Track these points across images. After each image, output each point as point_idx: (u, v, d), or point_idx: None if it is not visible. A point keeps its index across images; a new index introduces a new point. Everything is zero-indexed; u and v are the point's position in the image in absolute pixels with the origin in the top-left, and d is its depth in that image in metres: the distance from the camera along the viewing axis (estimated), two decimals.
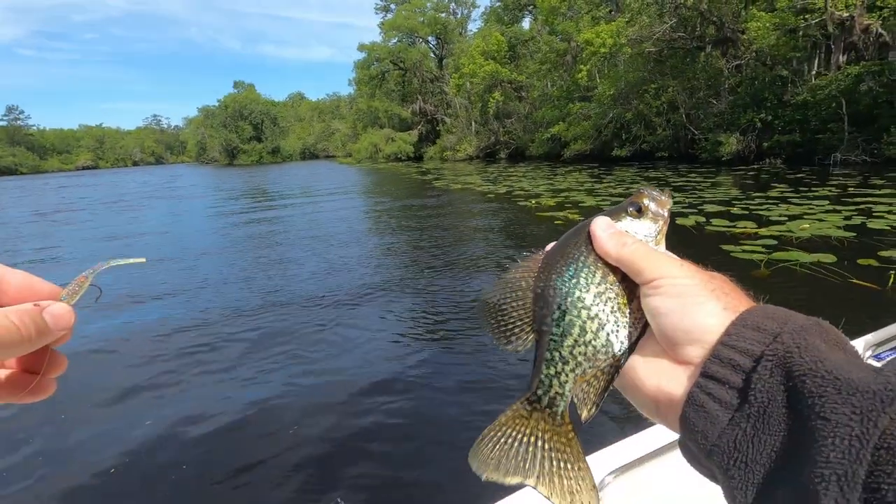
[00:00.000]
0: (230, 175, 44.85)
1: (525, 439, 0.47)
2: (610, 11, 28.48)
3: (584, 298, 0.47)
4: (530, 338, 0.48)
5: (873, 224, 7.60)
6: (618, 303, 0.47)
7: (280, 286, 6.62)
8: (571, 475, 0.45)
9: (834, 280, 5.29)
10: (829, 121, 17.64)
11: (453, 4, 56.57)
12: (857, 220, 7.87)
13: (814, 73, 19.65)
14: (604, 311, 0.47)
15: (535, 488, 0.46)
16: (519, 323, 0.49)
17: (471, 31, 55.74)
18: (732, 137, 20.57)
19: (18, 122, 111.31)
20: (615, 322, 0.46)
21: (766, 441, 0.34)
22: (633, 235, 0.48)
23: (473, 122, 43.41)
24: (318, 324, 5.14)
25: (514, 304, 0.49)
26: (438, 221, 11.40)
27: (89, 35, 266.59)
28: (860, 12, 17.23)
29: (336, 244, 9.36)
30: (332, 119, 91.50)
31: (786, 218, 8.50)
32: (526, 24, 43.77)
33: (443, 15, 54.44)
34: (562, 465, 0.46)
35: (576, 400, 0.47)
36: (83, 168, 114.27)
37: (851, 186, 11.60)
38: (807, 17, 17.43)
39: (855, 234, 7.03)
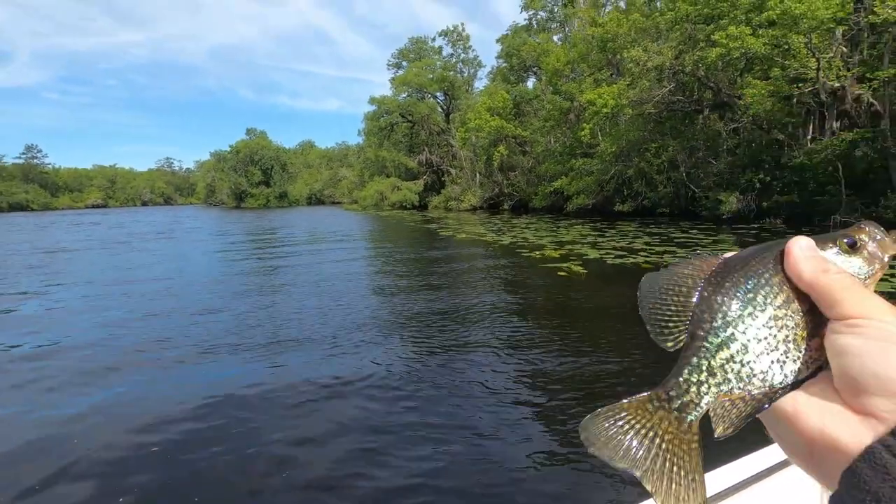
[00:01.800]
0: (237, 217, 45.53)
1: (643, 431, 0.43)
2: (611, 75, 29.85)
3: (757, 316, 0.42)
4: (683, 338, 0.45)
5: (880, 287, 7.63)
6: (795, 333, 0.42)
7: (277, 333, 6.61)
8: (683, 483, 0.42)
9: None
10: (826, 183, 18.07)
11: (461, 64, 59.40)
12: None
13: (809, 137, 20.33)
14: (776, 336, 0.42)
15: (640, 480, 0.43)
16: (675, 318, 0.45)
17: (477, 88, 58.26)
18: (732, 196, 21.01)
19: (35, 160, 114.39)
20: (785, 352, 0.41)
21: None
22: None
23: (478, 174, 44.46)
24: (315, 368, 5.10)
25: (674, 297, 0.46)
26: (444, 269, 11.49)
27: (111, 81, 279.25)
28: (851, 83, 18.05)
29: (339, 289, 9.40)
30: (340, 166, 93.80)
31: None
32: (530, 83, 45.72)
33: (451, 73, 57.01)
34: (675, 469, 0.42)
35: (712, 414, 0.42)
36: (93, 206, 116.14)
37: None
38: (800, 85, 18.24)
39: None
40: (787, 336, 0.42)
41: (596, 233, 18.21)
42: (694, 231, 17.18)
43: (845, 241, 0.44)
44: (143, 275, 11.87)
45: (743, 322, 0.43)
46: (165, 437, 3.75)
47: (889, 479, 0.32)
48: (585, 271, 10.19)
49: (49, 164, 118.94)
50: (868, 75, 17.11)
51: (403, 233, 23.85)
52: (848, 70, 18.11)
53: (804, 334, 0.42)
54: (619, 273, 10.10)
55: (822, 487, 0.37)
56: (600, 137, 28.49)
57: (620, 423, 0.44)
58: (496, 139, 40.18)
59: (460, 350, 5.64)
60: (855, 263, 0.43)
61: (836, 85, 18.18)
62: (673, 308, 0.46)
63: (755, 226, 18.56)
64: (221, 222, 38.29)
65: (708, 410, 0.42)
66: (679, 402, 0.43)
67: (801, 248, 0.42)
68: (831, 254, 0.43)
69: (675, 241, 14.61)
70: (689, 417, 0.43)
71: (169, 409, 4.21)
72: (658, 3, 29.58)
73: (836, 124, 19.25)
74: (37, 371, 5.26)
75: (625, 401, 0.44)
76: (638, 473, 0.43)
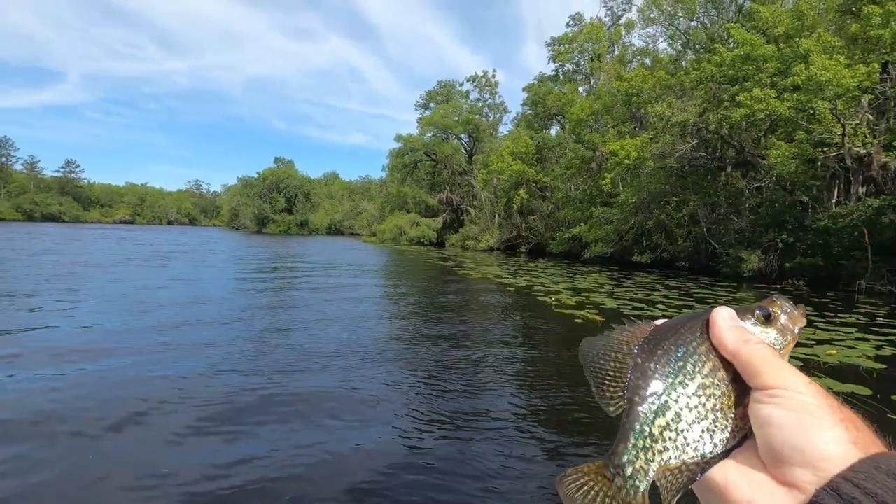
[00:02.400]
0: (259, 242, 46.42)
1: (605, 499, 0.45)
2: (634, 127, 30.38)
3: (687, 384, 0.45)
4: (622, 403, 0.48)
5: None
6: (722, 402, 0.44)
7: (289, 361, 6.65)
8: None
9: (870, 413, 5.10)
10: (851, 248, 17.79)
11: (486, 109, 61.10)
12: (888, 352, 7.69)
13: (834, 201, 20.18)
14: (704, 405, 0.44)
15: None
16: (613, 384, 0.49)
17: (501, 132, 59.63)
18: (754, 255, 20.76)
19: (73, 174, 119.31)
20: (713, 421, 0.44)
21: None
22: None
23: (497, 216, 44.87)
24: (324, 405, 5.10)
25: (611, 363, 0.49)
26: (459, 309, 11.49)
27: (152, 105, 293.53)
28: (877, 149, 18.04)
29: (356, 322, 9.45)
30: (362, 199, 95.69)
31: (813, 342, 8.36)
32: (553, 131, 46.69)
33: (476, 116, 58.61)
34: None
35: (657, 484, 0.45)
36: (120, 222, 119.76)
37: (880, 316, 11.43)
38: (825, 149, 18.28)
39: (885, 367, 6.85)
40: (714, 405, 0.44)
41: (613, 282, 18.07)
42: (714, 287, 16.94)
43: (759, 312, 0.47)
44: (162, 294, 12.11)
45: (675, 390, 0.45)
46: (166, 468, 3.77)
47: None
48: (602, 320, 10.08)
49: (85, 178, 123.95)
50: (895, 143, 17.11)
51: (421, 269, 23.98)
52: (874, 137, 18.15)
53: (730, 403, 0.44)
54: None
55: None
56: (621, 187, 28.70)
57: (586, 487, 0.46)
58: (517, 182, 40.76)
59: (473, 391, 5.59)
60: (770, 334, 0.46)
61: (862, 151, 18.19)
62: (611, 374, 0.48)
63: (777, 286, 18.23)
64: (244, 245, 39.05)
65: (654, 480, 0.44)
66: (631, 468, 0.45)
67: (723, 319, 0.45)
68: (749, 325, 0.46)
69: (694, 295, 14.41)
70: (641, 487, 0.44)
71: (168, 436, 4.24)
72: (683, 63, 30.37)
73: (861, 189, 19.12)
74: (48, 393, 5.37)
75: (586, 464, 0.47)
76: None
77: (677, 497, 0.43)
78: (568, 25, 45.47)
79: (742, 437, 0.43)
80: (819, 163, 19.13)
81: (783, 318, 0.48)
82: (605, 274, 21.42)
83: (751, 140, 23.13)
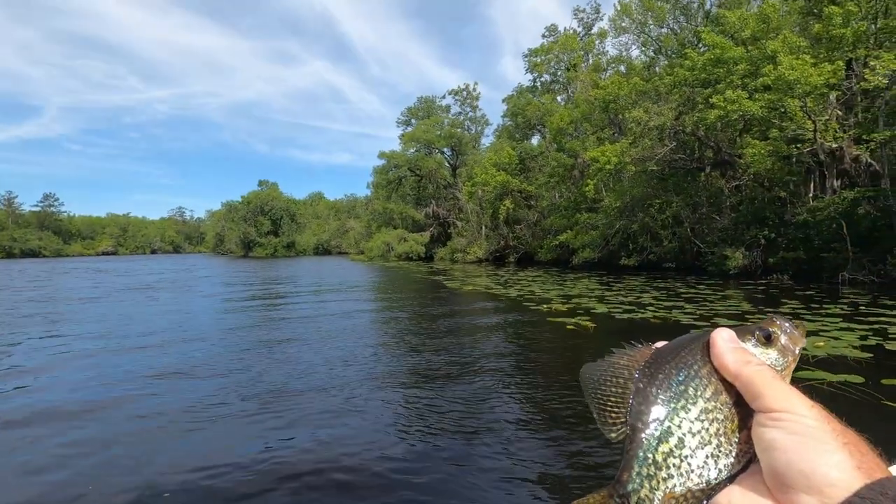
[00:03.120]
0: (244, 266, 45.95)
1: None
2: (613, 133, 30.93)
3: (689, 409, 0.45)
4: (624, 429, 0.47)
5: (891, 346, 7.56)
6: (725, 426, 0.44)
7: (281, 386, 6.57)
8: None
9: (867, 401, 5.19)
10: (831, 241, 18.19)
11: (468, 122, 61.74)
12: (873, 341, 7.84)
13: (811, 195, 20.67)
14: (708, 430, 0.44)
15: None
16: (615, 410, 0.48)
17: (484, 144, 60.21)
18: (738, 252, 21.10)
19: (52, 207, 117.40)
20: (717, 445, 0.43)
21: None
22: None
23: (484, 227, 45.08)
24: (317, 418, 5.04)
25: (612, 388, 0.49)
26: (451, 321, 11.47)
27: (133, 134, 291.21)
28: (848, 143, 18.59)
29: (347, 341, 9.38)
30: (348, 218, 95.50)
31: None
32: (535, 140, 47.27)
33: (458, 130, 59.15)
34: None
35: None
36: (103, 253, 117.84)
37: (863, 305, 11.67)
38: (798, 146, 18.78)
39: (872, 355, 6.98)
40: (718, 430, 0.44)
41: (603, 286, 18.21)
42: (701, 286, 17.15)
43: (759, 333, 0.47)
44: (142, 325, 11.91)
45: (678, 415, 0.44)
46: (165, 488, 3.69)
47: None
48: (594, 325, 10.14)
49: (64, 211, 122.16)
50: (864, 136, 17.64)
51: (410, 284, 23.93)
52: (844, 132, 18.70)
53: (733, 427, 0.44)
54: (629, 327, 10.05)
55: None
56: (604, 193, 29.08)
57: None
58: (502, 193, 41.07)
59: (469, 403, 5.57)
60: (771, 355, 0.46)
61: (834, 146, 18.71)
62: (612, 399, 0.48)
63: (762, 281, 18.52)
64: (230, 271, 38.62)
65: None
66: (636, 497, 0.44)
67: (724, 341, 0.45)
68: (750, 346, 0.46)
69: (683, 296, 14.57)
70: None
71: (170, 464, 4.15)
72: (657, 68, 31.11)
73: (836, 183, 19.63)
74: (30, 427, 5.23)
75: (589, 496, 0.46)
76: None
77: None
78: (543, 36, 46.38)
79: (747, 462, 0.43)
80: (794, 159, 19.63)
81: (783, 339, 0.48)
82: (594, 279, 21.58)
83: (727, 140, 23.67)
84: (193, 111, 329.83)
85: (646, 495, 0.44)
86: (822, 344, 7.73)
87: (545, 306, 13.23)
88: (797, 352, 0.48)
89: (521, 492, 3.67)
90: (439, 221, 56.39)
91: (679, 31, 31.31)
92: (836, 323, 9.42)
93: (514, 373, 6.91)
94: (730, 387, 0.44)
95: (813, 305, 11.90)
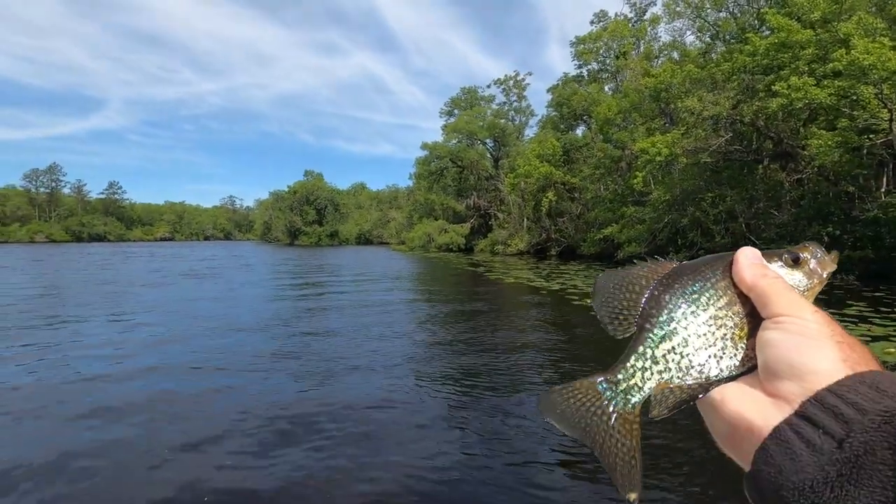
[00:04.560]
0: (292, 254, 47.49)
1: (592, 408, 0.48)
2: (664, 124, 29.65)
3: (698, 314, 0.47)
4: (631, 329, 0.50)
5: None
6: (734, 333, 0.46)
7: (329, 367, 6.74)
8: (624, 459, 0.46)
9: None
10: None
11: (512, 112, 60.87)
12: None
13: (883, 190, 19.15)
14: (714, 334, 0.46)
15: (588, 447, 0.48)
16: (625, 312, 0.50)
17: (527, 136, 59.24)
18: None
19: (115, 195, 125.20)
20: (722, 348, 0.46)
21: (851, 493, 0.32)
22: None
23: (525, 219, 44.53)
24: (356, 409, 5.14)
25: (626, 293, 0.50)
26: (493, 314, 11.43)
27: (188, 126, 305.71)
28: None
29: (393, 328, 9.52)
30: (389, 208, 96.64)
31: (868, 339, 7.93)
32: (579, 132, 46.09)
33: (502, 121, 58.46)
34: (617, 443, 0.47)
35: (652, 399, 0.47)
36: (161, 239, 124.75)
37: None
38: (871, 136, 17.39)
39: None
40: (724, 334, 0.46)
41: None
42: None
43: (788, 256, 0.48)
44: (205, 308, 12.50)
45: (685, 318, 0.47)
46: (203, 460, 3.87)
47: (789, 453, 0.36)
48: None
49: (127, 199, 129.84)
50: None
51: (452, 275, 24.00)
52: None
53: (742, 334, 0.46)
54: None
55: None
56: (653, 186, 28.04)
57: (573, 399, 0.49)
58: (545, 185, 40.37)
59: (512, 397, 5.54)
60: (796, 277, 0.48)
61: None
62: (624, 303, 0.50)
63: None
64: (278, 258, 40.01)
65: (649, 395, 0.47)
66: (625, 384, 0.48)
67: (746, 256, 0.47)
68: (776, 266, 0.48)
69: None
70: (633, 400, 0.47)
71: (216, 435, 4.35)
72: (713, 55, 29.53)
73: None
74: (97, 392, 5.61)
75: (577, 381, 0.49)
76: (588, 443, 0.48)
77: (675, 411, 0.46)
78: (592, 23, 44.97)
79: (751, 367, 0.45)
80: (865, 151, 18.20)
81: (812, 263, 0.49)
82: None
83: (789, 130, 22.23)
84: (242, 103, 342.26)
85: (635, 384, 0.47)
86: (893, 350, 7.19)
87: (588, 301, 12.95)
88: (825, 276, 0.49)
89: (558, 478, 3.62)
90: (480, 213, 56.13)
91: (739, 14, 29.57)
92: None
93: (556, 367, 6.82)
94: (745, 300, 0.46)
95: (883, 309, 11.07)
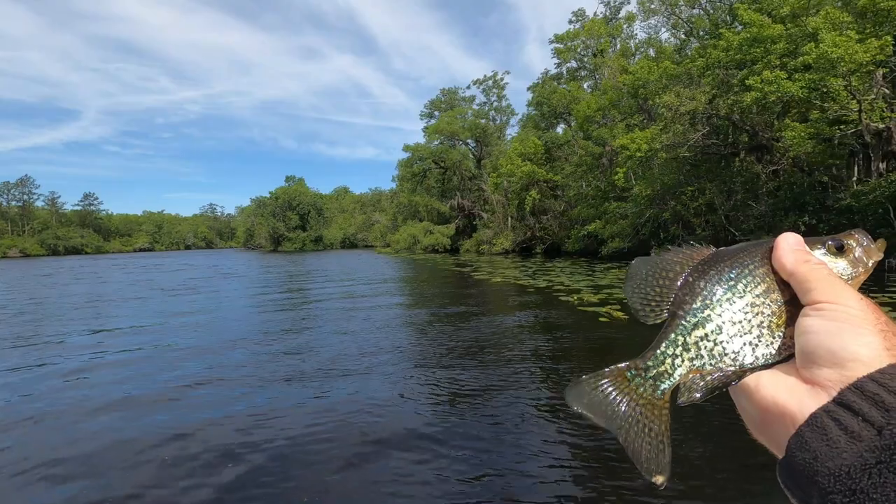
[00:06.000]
0: (275, 262, 46.96)
1: (620, 395, 0.47)
2: (643, 120, 30.11)
3: (735, 301, 0.46)
4: (663, 315, 0.49)
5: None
6: (771, 320, 0.45)
7: (320, 370, 6.69)
8: (652, 444, 0.46)
9: None
10: (878, 226, 17.35)
11: (493, 112, 61.14)
12: None
13: (854, 179, 19.73)
14: (751, 321, 0.45)
15: (615, 436, 0.47)
16: (657, 299, 0.49)
17: (509, 135, 59.57)
18: None
19: (92, 206, 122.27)
20: (758, 336, 0.45)
21: (891, 480, 0.31)
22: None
23: (510, 218, 44.76)
24: (344, 411, 5.12)
25: (660, 279, 0.49)
26: (482, 314, 11.46)
27: (166, 134, 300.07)
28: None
29: (380, 334, 9.48)
30: (374, 211, 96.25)
31: None
32: (560, 129, 46.49)
33: (483, 121, 58.68)
34: (646, 430, 0.46)
35: (682, 385, 0.46)
36: (140, 250, 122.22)
37: None
38: (841, 127, 17.90)
39: None
40: (762, 322, 0.45)
41: None
42: None
43: (832, 243, 0.46)
44: (181, 319, 12.29)
45: (720, 305, 0.46)
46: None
47: (825, 440, 0.35)
48: (627, 316, 9.97)
49: (104, 210, 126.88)
50: None
51: (439, 277, 24.00)
52: (892, 111, 17.73)
53: (780, 322, 0.45)
54: None
55: None
56: (634, 181, 28.44)
57: (601, 386, 0.48)
58: (528, 183, 40.65)
59: (504, 393, 5.56)
60: (840, 265, 0.46)
61: (881, 126, 17.78)
62: (657, 289, 0.49)
63: None
64: (261, 266, 39.51)
65: (680, 382, 0.46)
66: (654, 371, 0.47)
67: (787, 241, 0.45)
68: (819, 253, 0.46)
69: None
70: (662, 386, 0.47)
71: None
72: (688, 51, 30.09)
73: (882, 165, 18.67)
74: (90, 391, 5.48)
75: (606, 369, 0.48)
76: (613, 430, 0.47)
77: (706, 398, 0.45)
78: (570, 22, 45.42)
79: (789, 356, 0.44)
80: (836, 141, 18.74)
81: (858, 251, 0.47)
82: (624, 269, 21.11)
83: (763, 123, 22.76)
84: (222, 110, 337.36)
85: (665, 371, 0.46)
86: None
87: (575, 297, 13.07)
88: (870, 265, 0.47)
89: (551, 473, 3.65)
90: (464, 213, 56.25)
91: (712, 11, 30.19)
92: (886, 312, 8.99)
93: (546, 363, 6.86)
94: (785, 287, 0.45)
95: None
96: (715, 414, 4.59)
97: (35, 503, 3.54)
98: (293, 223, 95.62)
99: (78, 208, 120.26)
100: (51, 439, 4.66)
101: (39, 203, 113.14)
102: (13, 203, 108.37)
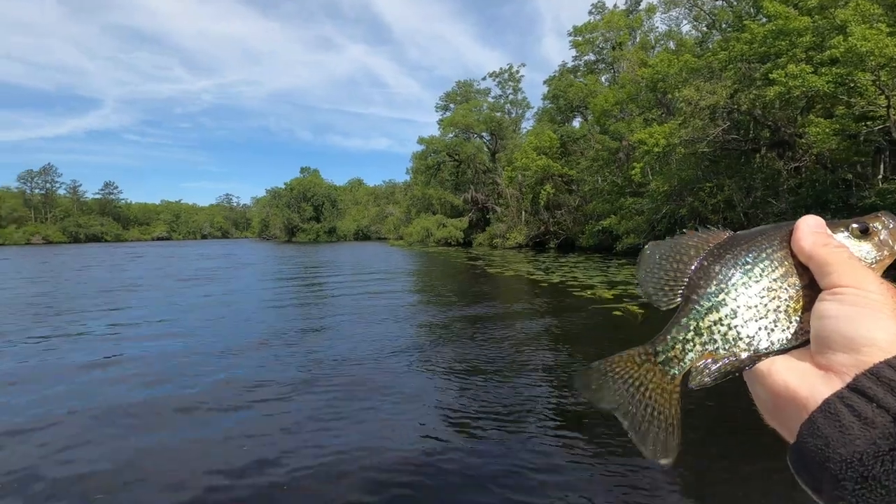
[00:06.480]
0: (290, 252, 47.44)
1: (630, 380, 0.46)
2: (662, 114, 29.60)
3: (750, 286, 0.44)
4: (676, 300, 0.47)
5: None
6: (788, 305, 0.43)
7: (331, 363, 6.75)
8: (660, 427, 0.45)
9: None
10: None
11: (508, 105, 60.62)
12: None
13: (880, 176, 19.18)
14: (766, 306, 0.43)
15: (622, 421, 0.46)
16: (671, 283, 0.48)
17: (524, 128, 59.05)
18: None
19: (111, 195, 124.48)
20: (774, 321, 0.43)
21: None
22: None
23: (524, 212, 44.52)
24: (353, 403, 5.16)
25: (674, 263, 0.48)
26: (496, 308, 11.44)
27: (183, 124, 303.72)
28: None
29: (393, 327, 9.53)
30: (387, 203, 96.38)
31: None
32: (576, 123, 45.95)
33: (498, 114, 58.24)
34: (655, 414, 0.45)
35: (693, 369, 0.45)
36: (158, 238, 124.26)
37: None
38: (868, 123, 17.39)
39: None
40: (778, 307, 0.43)
41: None
42: None
43: (857, 226, 0.45)
44: (203, 310, 12.48)
45: (736, 290, 0.44)
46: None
47: (838, 426, 0.34)
48: (643, 311, 9.87)
49: (123, 199, 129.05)
50: None
51: (452, 270, 24.00)
52: None
53: (797, 307, 0.43)
54: None
55: None
56: (651, 176, 28.03)
57: (611, 373, 0.47)
58: (542, 177, 40.33)
59: (518, 390, 5.56)
60: (864, 248, 0.44)
61: None
62: (671, 273, 0.48)
63: None
64: (276, 256, 39.95)
65: (691, 367, 0.45)
66: (664, 356, 0.46)
67: (808, 224, 0.44)
68: (841, 237, 0.44)
69: None
70: (673, 371, 0.46)
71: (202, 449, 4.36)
72: (710, 44, 29.44)
73: None
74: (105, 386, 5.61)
75: (615, 355, 0.48)
76: (619, 415, 0.47)
77: (718, 382, 0.44)
78: (590, 13, 44.69)
79: (805, 342, 0.42)
80: (862, 138, 18.21)
81: (883, 234, 0.45)
82: None
83: (786, 119, 22.22)
84: (237, 100, 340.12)
85: (675, 356, 0.45)
86: None
87: (589, 292, 12.98)
88: None
89: (564, 468, 3.64)
90: (478, 207, 56.05)
91: (736, 2, 29.46)
92: None
93: (560, 359, 6.83)
94: (804, 271, 0.43)
95: None
96: (729, 397, 4.53)
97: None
98: (307, 214, 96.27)
99: (98, 196, 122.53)
100: (68, 438, 4.78)
101: (61, 191, 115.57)
102: (36, 191, 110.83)
